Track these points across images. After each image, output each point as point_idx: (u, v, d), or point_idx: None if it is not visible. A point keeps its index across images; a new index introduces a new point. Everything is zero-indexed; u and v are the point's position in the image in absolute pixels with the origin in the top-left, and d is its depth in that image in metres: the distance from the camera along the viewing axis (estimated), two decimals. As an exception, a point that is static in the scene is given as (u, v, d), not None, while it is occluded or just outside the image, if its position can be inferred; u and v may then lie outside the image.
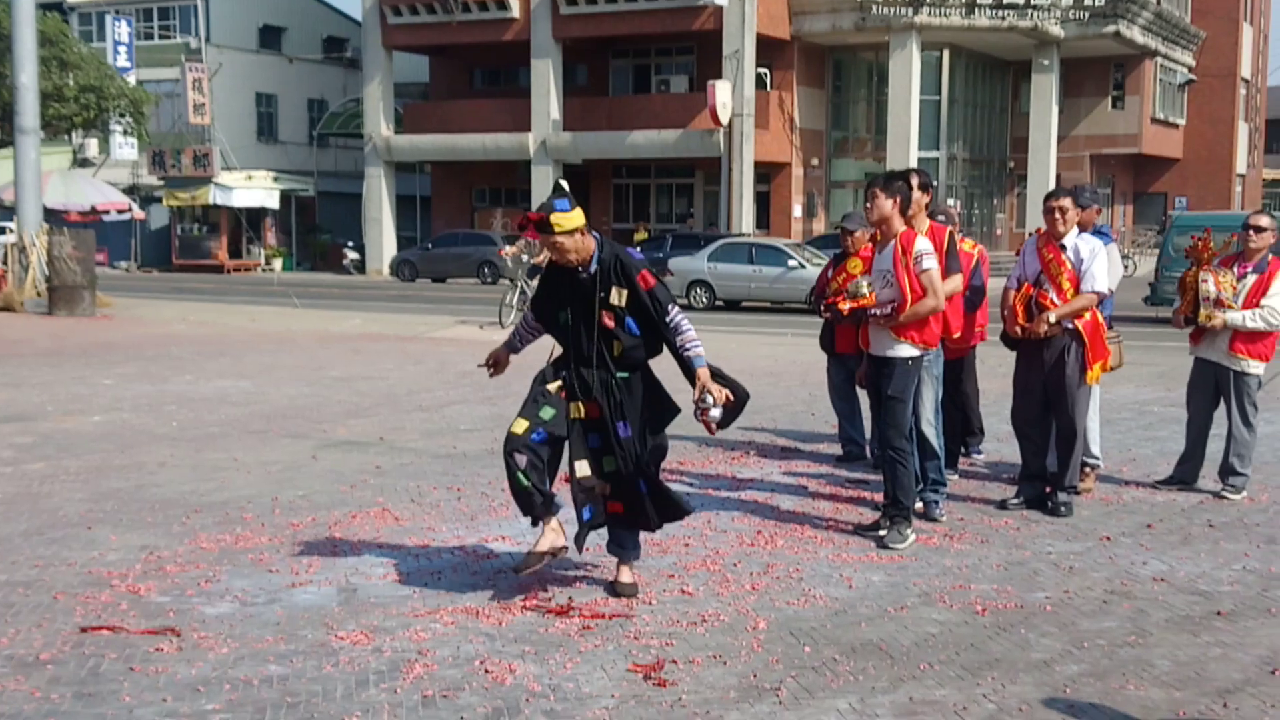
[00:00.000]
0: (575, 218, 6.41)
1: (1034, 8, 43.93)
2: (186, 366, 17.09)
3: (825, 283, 10.16)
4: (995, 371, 14.34)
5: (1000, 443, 11.08)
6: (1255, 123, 65.98)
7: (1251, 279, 9.21)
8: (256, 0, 55.61)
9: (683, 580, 7.09)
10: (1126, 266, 36.54)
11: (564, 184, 6.64)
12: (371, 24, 47.25)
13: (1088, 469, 9.46)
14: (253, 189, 49.95)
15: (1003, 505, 8.95)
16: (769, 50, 43.26)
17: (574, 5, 43.29)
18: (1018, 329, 8.72)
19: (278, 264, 50.61)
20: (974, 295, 9.44)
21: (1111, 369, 9.25)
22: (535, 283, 6.93)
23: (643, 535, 7.03)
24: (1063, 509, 8.70)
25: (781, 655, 5.89)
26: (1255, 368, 9.37)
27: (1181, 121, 58.79)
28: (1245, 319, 9.16)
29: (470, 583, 7.03)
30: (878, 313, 7.89)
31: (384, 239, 48.44)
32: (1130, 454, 10.97)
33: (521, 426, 6.51)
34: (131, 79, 43.92)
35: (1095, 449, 9.63)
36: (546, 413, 6.57)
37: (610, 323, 6.53)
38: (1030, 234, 9.28)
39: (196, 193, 48.90)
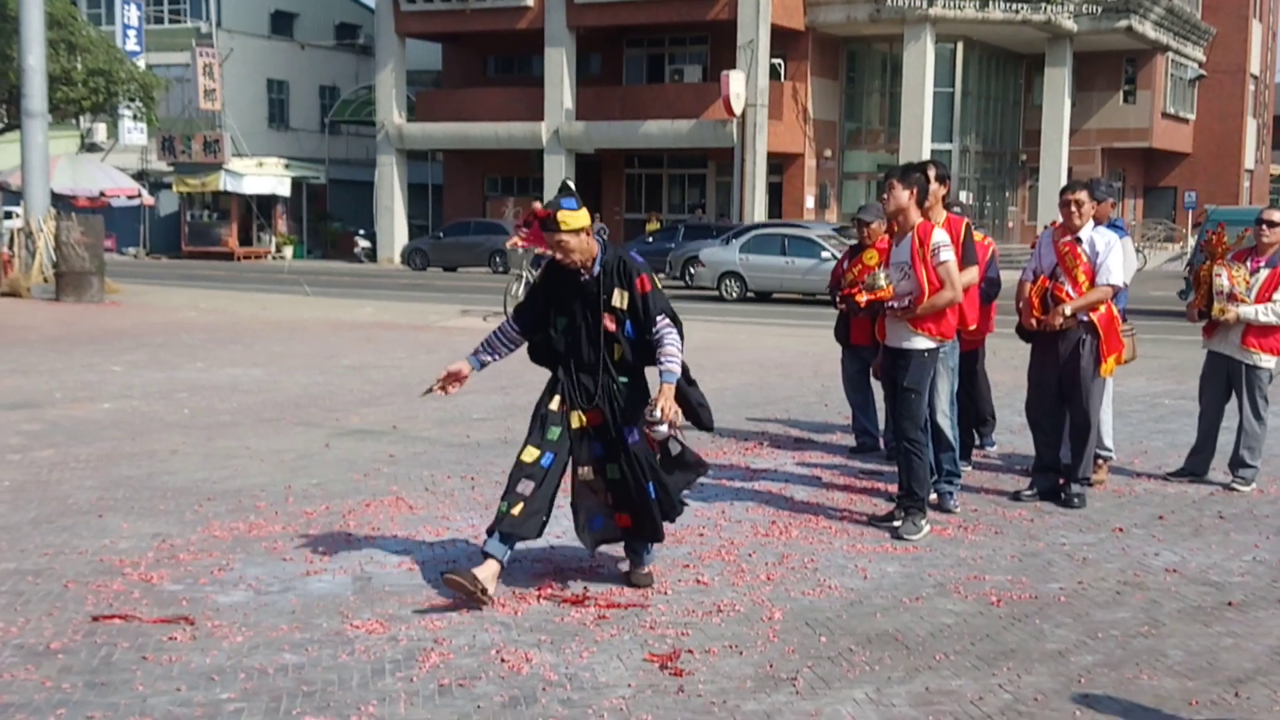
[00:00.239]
0: (581, 217, 6.38)
1: (1047, 1, 43.90)
2: (197, 354, 17.09)
3: (841, 274, 10.15)
4: (1008, 364, 14.34)
5: (1013, 435, 11.08)
6: (1263, 119, 65.98)
7: (1264, 273, 9.23)
8: (268, -14, 55.69)
9: (698, 570, 7.09)
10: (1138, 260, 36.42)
11: (570, 184, 6.63)
12: (385, 11, 47.21)
13: (1100, 461, 9.46)
14: (263, 176, 49.94)
15: (1016, 497, 8.95)
16: (783, 41, 43.21)
17: (588, -7, 43.31)
18: (1033, 321, 8.71)
19: (288, 252, 50.61)
20: (989, 287, 9.43)
21: (1125, 362, 9.23)
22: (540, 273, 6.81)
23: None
24: (1076, 500, 8.70)
25: (797, 645, 5.88)
26: (1267, 361, 9.39)
27: (1191, 116, 58.78)
28: (1258, 313, 9.18)
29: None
30: (895, 305, 7.87)
31: (395, 227, 48.43)
32: (1142, 446, 10.96)
33: (532, 455, 6.47)
34: (141, 63, 43.86)
35: (1108, 441, 9.64)
36: (553, 433, 6.52)
37: (612, 326, 6.48)
38: (1045, 227, 9.27)
39: (206, 179, 48.91)
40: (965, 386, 9.39)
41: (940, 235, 7.92)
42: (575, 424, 6.55)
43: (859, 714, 5.11)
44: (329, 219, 54.25)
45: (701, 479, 8.86)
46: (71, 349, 17.45)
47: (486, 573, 6.37)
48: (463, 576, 6.28)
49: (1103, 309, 8.61)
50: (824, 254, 28.87)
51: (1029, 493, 8.95)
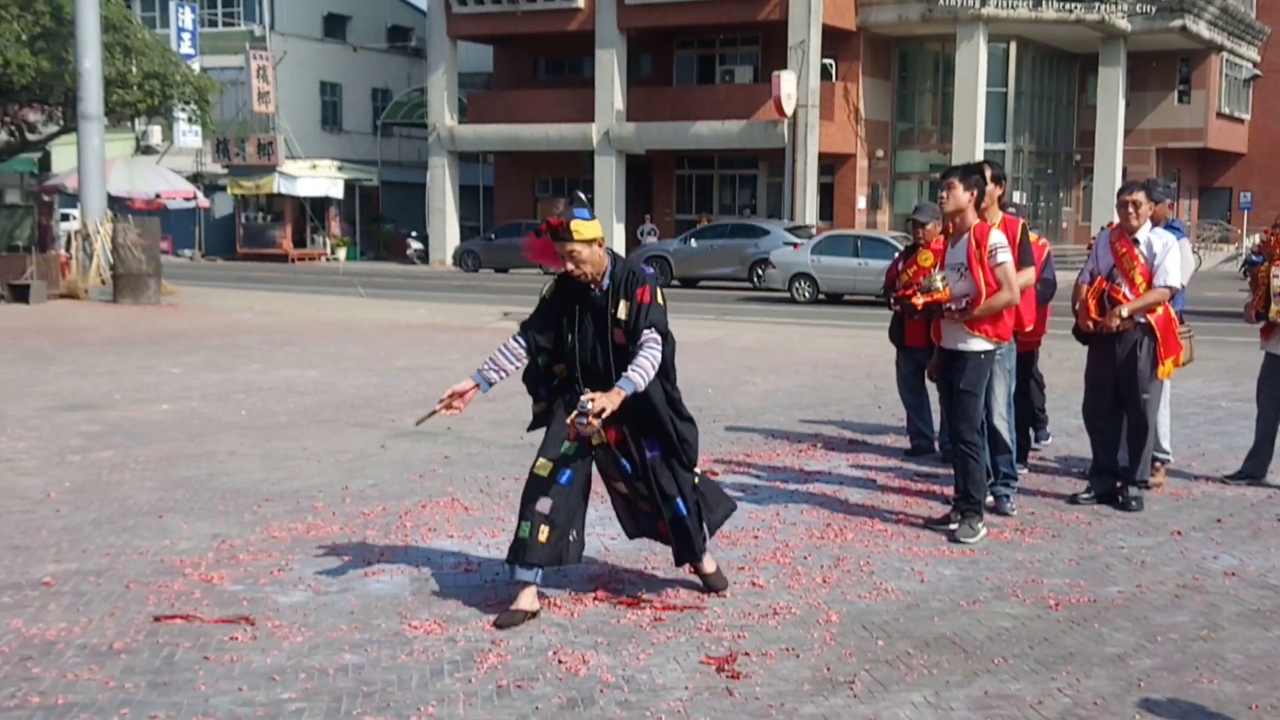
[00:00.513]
0: (594, 228, 6.23)
1: (1101, 1, 43.60)
2: (254, 355, 17.23)
3: (895, 275, 10.13)
4: (1063, 365, 14.27)
5: (1070, 437, 11.02)
6: (1317, 119, 65.21)
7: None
8: (321, -11, 56.03)
9: (753, 573, 7.08)
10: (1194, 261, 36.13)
11: (583, 195, 6.58)
12: (436, 13, 47.37)
13: (1158, 464, 9.38)
14: (317, 178, 50.27)
15: (1073, 500, 8.89)
16: (834, 41, 43.08)
17: (638, -5, 43.34)
18: (1090, 323, 8.66)
19: (342, 254, 50.88)
20: (1045, 288, 9.38)
21: (1183, 364, 9.15)
22: None
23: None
24: (1134, 503, 8.64)
25: (855, 648, 5.87)
26: (1327, 363, 9.29)
27: (1246, 116, 58.24)
28: (1318, 315, 9.08)
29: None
30: (952, 307, 7.84)
31: (447, 229, 48.56)
32: (1199, 449, 10.88)
33: (546, 469, 6.28)
34: (195, 66, 44.22)
35: (1165, 444, 9.56)
36: (570, 447, 6.31)
37: (623, 339, 6.29)
38: (1102, 228, 9.21)
39: (261, 181, 49.27)
40: (1021, 388, 9.34)
41: (997, 236, 7.88)
42: (596, 441, 6.37)
43: (917, 718, 5.10)
44: (381, 221, 54.52)
45: (756, 482, 8.87)
46: (129, 350, 17.62)
47: (527, 600, 6.27)
48: (512, 619, 6.18)
49: (1160, 311, 8.55)
50: (897, 255, 28.58)
51: (1086, 495, 8.90)
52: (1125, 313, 8.45)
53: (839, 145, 43.66)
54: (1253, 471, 9.62)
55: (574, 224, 6.19)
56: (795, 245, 32.82)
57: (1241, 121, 57.76)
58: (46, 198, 34.58)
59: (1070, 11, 43.35)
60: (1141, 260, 8.50)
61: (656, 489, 6.43)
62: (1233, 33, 52.30)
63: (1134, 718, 5.13)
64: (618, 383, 6.06)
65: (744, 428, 11.61)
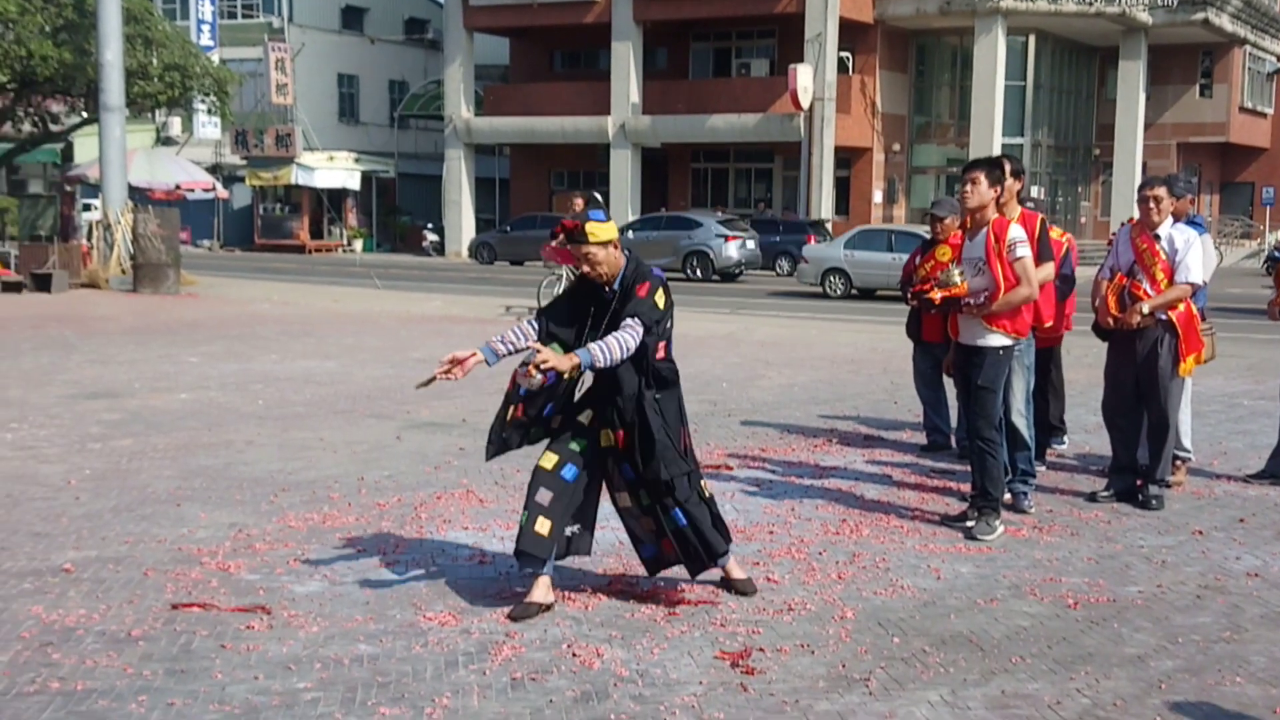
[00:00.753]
0: (609, 229, 6.19)
1: (1122, -6, 43.48)
2: (271, 346, 17.25)
3: (912, 269, 10.09)
4: (1082, 361, 14.22)
5: (1089, 434, 10.96)
6: (1342, 114, 64.93)
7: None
8: (339, -19, 56.10)
9: (768, 568, 7.05)
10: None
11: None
12: (453, 6, 47.42)
13: (1178, 462, 9.31)
14: (334, 170, 50.37)
15: (1092, 498, 8.84)
16: (851, 34, 43.03)
17: (655, -13, 43.31)
18: (1110, 320, 8.60)
19: (358, 245, 50.98)
20: (1063, 284, 9.33)
21: (1205, 361, 9.09)
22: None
23: (728, 520, 6.91)
24: (1154, 502, 8.57)
25: (870, 645, 5.84)
26: (1352, 361, 9.23)
27: (1269, 110, 57.95)
28: (1343, 312, 9.02)
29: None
30: (970, 302, 7.79)
31: (463, 221, 48.65)
32: (1221, 447, 10.81)
33: (551, 461, 6.28)
34: (215, 58, 44.31)
35: (1186, 442, 9.48)
36: (578, 444, 6.30)
37: None
38: (1123, 224, 9.15)
39: (279, 173, 49.38)
40: (1040, 385, 9.29)
41: (1016, 231, 7.83)
42: (604, 443, 6.35)
43: (934, 716, 5.07)
44: (398, 212, 54.61)
45: (771, 477, 8.82)
46: (149, 340, 17.66)
47: (541, 592, 6.26)
48: (527, 611, 6.16)
49: (1181, 307, 8.49)
50: (915, 249, 28.50)
51: (1105, 494, 8.84)
52: (1146, 309, 8.39)
53: (855, 139, 43.60)
54: (1276, 471, 9.52)
55: (589, 226, 6.17)
56: (727, 238, 34.14)
57: (1264, 116, 57.44)
58: (69, 188, 34.79)
59: (1090, 4, 43.21)
60: (1163, 256, 8.44)
61: (657, 498, 6.37)
62: (1256, 26, 52.02)
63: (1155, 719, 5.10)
64: (576, 352, 6.00)
65: (759, 422, 11.57)
